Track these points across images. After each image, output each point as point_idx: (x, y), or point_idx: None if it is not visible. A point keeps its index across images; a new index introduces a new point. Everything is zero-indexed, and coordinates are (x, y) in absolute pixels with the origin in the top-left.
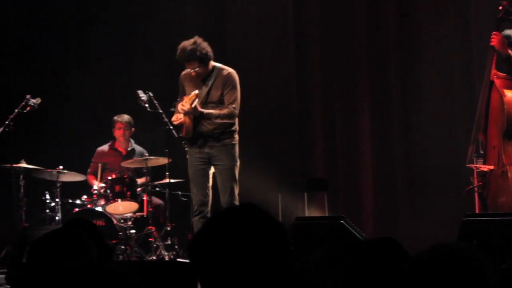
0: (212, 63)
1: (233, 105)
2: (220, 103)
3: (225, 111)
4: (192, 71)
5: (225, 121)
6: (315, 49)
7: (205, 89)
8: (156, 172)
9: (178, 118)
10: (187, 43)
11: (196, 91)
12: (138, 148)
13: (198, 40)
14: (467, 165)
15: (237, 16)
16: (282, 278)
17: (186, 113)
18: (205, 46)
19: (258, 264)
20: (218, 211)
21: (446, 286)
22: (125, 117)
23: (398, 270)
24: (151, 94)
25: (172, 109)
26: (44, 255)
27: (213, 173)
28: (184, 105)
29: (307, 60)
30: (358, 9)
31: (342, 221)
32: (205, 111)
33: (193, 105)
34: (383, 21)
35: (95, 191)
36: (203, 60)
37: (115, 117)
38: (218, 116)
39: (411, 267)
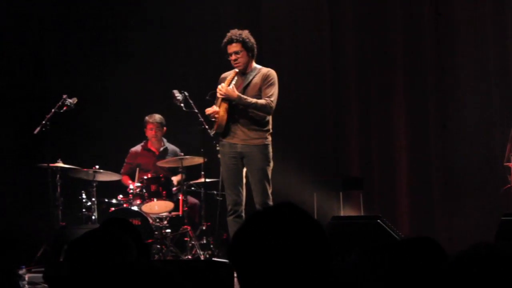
0: (254, 64)
1: (271, 98)
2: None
3: (262, 101)
4: (233, 56)
5: (260, 112)
6: (350, 49)
7: (242, 85)
8: (192, 172)
9: (212, 109)
10: (236, 29)
11: (236, 70)
12: (171, 147)
13: (246, 30)
14: (504, 163)
15: (272, 18)
16: (321, 278)
17: (222, 95)
18: (251, 37)
19: (298, 264)
20: (257, 211)
21: (488, 286)
22: (157, 117)
23: (437, 270)
24: (186, 93)
25: (208, 98)
26: (84, 255)
27: (246, 172)
28: (222, 87)
29: (342, 59)
30: (393, 8)
31: (378, 220)
32: (242, 95)
33: (230, 85)
34: (418, 20)
35: (131, 191)
36: (247, 46)
37: (146, 117)
38: (254, 104)
39: (451, 267)
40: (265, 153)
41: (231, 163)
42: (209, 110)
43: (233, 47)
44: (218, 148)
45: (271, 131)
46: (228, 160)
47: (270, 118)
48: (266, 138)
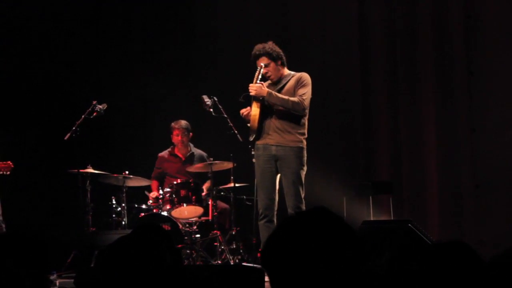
0: (287, 70)
1: (303, 97)
2: None
3: (293, 98)
4: (263, 68)
5: (291, 109)
6: (379, 54)
7: (275, 90)
8: (221, 177)
9: (246, 109)
10: (258, 44)
11: (262, 64)
12: (198, 152)
13: (270, 42)
14: None
15: (300, 23)
16: (354, 282)
17: (253, 93)
18: (276, 46)
19: (331, 268)
20: (289, 215)
21: None
22: (182, 123)
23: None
24: (215, 98)
25: (241, 99)
26: (118, 260)
27: (279, 177)
28: (250, 85)
29: (371, 64)
30: (423, 11)
31: (409, 225)
32: (272, 91)
33: (258, 79)
34: (448, 23)
35: (161, 196)
36: (273, 56)
37: (172, 124)
38: (286, 101)
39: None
40: (300, 156)
41: (266, 166)
42: (243, 111)
43: (261, 61)
44: (253, 153)
45: (306, 135)
46: (262, 163)
47: (306, 121)
48: (302, 141)
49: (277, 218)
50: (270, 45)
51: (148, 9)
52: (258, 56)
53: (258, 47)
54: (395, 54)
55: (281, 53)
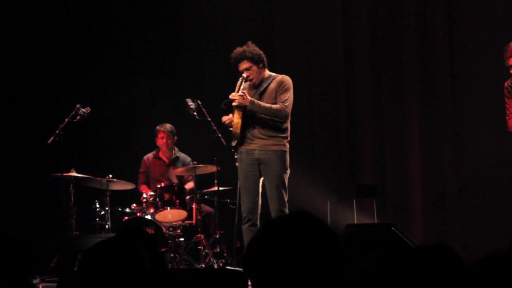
0: (268, 72)
1: (285, 104)
2: None
3: (276, 106)
4: (245, 73)
5: (274, 117)
6: (363, 56)
7: (257, 94)
8: (205, 180)
9: (228, 117)
10: (238, 48)
11: (244, 75)
12: (182, 156)
13: (249, 43)
14: None
15: (284, 23)
16: (337, 286)
17: (235, 103)
18: (256, 48)
19: (313, 272)
20: (272, 219)
21: None
22: (167, 126)
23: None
24: (199, 102)
25: (223, 106)
26: (98, 264)
27: (263, 180)
28: (233, 95)
29: (355, 66)
30: (407, 13)
31: (393, 228)
32: (255, 100)
33: (240, 91)
34: (432, 26)
35: (144, 199)
36: (254, 59)
37: (158, 127)
38: (268, 109)
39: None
40: (283, 160)
41: (249, 170)
42: (224, 118)
43: (242, 65)
44: (236, 157)
45: (289, 138)
46: (245, 167)
47: (288, 125)
48: (285, 145)
49: (260, 221)
50: (250, 48)
51: (132, 13)
52: (239, 60)
53: (238, 50)
54: (379, 57)
55: (262, 55)
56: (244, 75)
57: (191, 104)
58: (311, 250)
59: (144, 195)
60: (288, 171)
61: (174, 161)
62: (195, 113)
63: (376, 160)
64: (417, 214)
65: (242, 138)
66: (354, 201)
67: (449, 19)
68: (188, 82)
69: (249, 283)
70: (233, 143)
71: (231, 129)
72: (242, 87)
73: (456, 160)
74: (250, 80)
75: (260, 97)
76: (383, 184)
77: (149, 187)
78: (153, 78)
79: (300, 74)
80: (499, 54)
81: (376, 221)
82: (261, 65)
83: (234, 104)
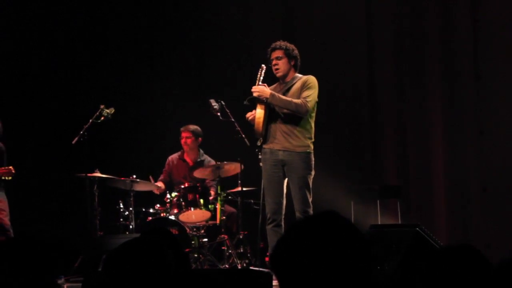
0: (296, 73)
1: (307, 99)
2: None
3: (297, 100)
4: (274, 62)
5: (295, 111)
6: (387, 58)
7: (282, 91)
8: (229, 181)
9: (251, 113)
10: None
11: (263, 66)
12: (207, 160)
13: (293, 44)
14: None
15: (306, 25)
16: (363, 286)
17: (255, 94)
18: (295, 49)
19: (340, 272)
20: (299, 219)
21: None
22: (190, 127)
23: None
24: (223, 102)
25: (246, 103)
26: (123, 264)
27: (287, 181)
28: (254, 87)
29: (379, 67)
30: (431, 14)
31: (417, 229)
32: (276, 93)
33: (260, 81)
34: (455, 27)
35: (168, 200)
36: (288, 53)
37: (181, 128)
38: (288, 102)
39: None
40: (307, 162)
41: (272, 171)
42: (248, 114)
43: (276, 53)
44: (260, 157)
45: (313, 139)
46: (269, 168)
47: (312, 125)
48: (309, 146)
49: (284, 222)
50: (291, 45)
51: (156, 14)
52: (275, 49)
53: (279, 41)
54: (402, 58)
55: (298, 56)
56: (264, 66)
57: (214, 104)
58: (338, 250)
59: (168, 196)
60: (313, 172)
61: (199, 165)
62: (218, 114)
63: (400, 160)
64: (440, 215)
65: (266, 136)
66: (378, 201)
67: (473, 19)
68: (212, 83)
69: (274, 283)
70: (258, 143)
71: (250, 118)
72: (261, 79)
73: (479, 160)
74: (276, 70)
75: (285, 94)
76: (407, 184)
77: (168, 188)
78: (177, 79)
79: (323, 74)
80: None
81: (400, 222)
82: (293, 62)
83: (254, 95)
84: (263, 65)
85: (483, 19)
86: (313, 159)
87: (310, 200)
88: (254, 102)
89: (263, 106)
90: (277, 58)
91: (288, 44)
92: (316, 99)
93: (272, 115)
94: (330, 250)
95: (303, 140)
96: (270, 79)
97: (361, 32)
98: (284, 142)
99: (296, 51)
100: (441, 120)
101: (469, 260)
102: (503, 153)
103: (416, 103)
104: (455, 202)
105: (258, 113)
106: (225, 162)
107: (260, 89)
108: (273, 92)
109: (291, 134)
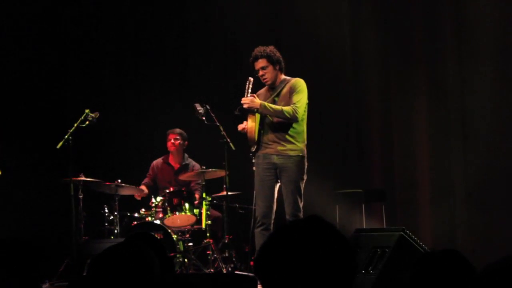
0: (283, 76)
1: (297, 105)
2: None
3: (287, 107)
4: (260, 72)
5: (285, 119)
6: (372, 61)
7: (272, 97)
8: (214, 185)
9: (242, 125)
10: (260, 46)
11: (251, 78)
12: (192, 163)
13: (271, 46)
14: None
15: (292, 29)
16: None
17: (245, 106)
18: (276, 51)
19: (324, 277)
20: (283, 224)
21: None
22: (178, 130)
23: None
24: (208, 106)
25: (237, 113)
26: (107, 269)
27: (279, 186)
28: (243, 99)
29: (364, 71)
30: (415, 15)
31: (402, 233)
32: (265, 103)
33: (249, 93)
34: (440, 27)
35: (153, 204)
36: (272, 60)
37: (168, 131)
38: (279, 111)
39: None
40: (300, 166)
41: (265, 175)
42: (240, 126)
43: (260, 63)
44: (253, 161)
45: (306, 141)
46: (262, 171)
47: (304, 128)
48: (302, 149)
49: (274, 226)
50: (271, 49)
51: (141, 18)
52: (257, 58)
53: (259, 49)
54: (388, 62)
55: (281, 59)
56: (251, 78)
57: (199, 108)
58: (322, 255)
59: (153, 200)
60: (305, 177)
61: (183, 169)
62: (203, 118)
63: (384, 165)
64: (425, 219)
65: (259, 143)
66: (363, 205)
67: (458, 22)
68: (197, 87)
69: (259, 287)
70: (252, 149)
71: (241, 130)
72: (250, 91)
73: (465, 165)
74: (264, 80)
75: (275, 100)
76: (392, 189)
77: (152, 192)
78: (162, 83)
79: (309, 78)
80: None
81: (385, 226)
82: (277, 67)
83: (244, 107)
84: (250, 78)
85: (468, 21)
86: (306, 163)
87: (301, 204)
88: (244, 111)
89: (254, 117)
90: (263, 68)
91: (268, 49)
92: (306, 101)
93: (264, 122)
94: (313, 255)
95: (296, 144)
96: (258, 85)
97: (346, 36)
98: (277, 146)
99: (278, 54)
100: (426, 124)
101: (453, 265)
102: (488, 158)
103: (401, 107)
104: (440, 207)
105: (250, 124)
106: (210, 170)
107: (250, 101)
108: (263, 102)
109: (284, 139)
